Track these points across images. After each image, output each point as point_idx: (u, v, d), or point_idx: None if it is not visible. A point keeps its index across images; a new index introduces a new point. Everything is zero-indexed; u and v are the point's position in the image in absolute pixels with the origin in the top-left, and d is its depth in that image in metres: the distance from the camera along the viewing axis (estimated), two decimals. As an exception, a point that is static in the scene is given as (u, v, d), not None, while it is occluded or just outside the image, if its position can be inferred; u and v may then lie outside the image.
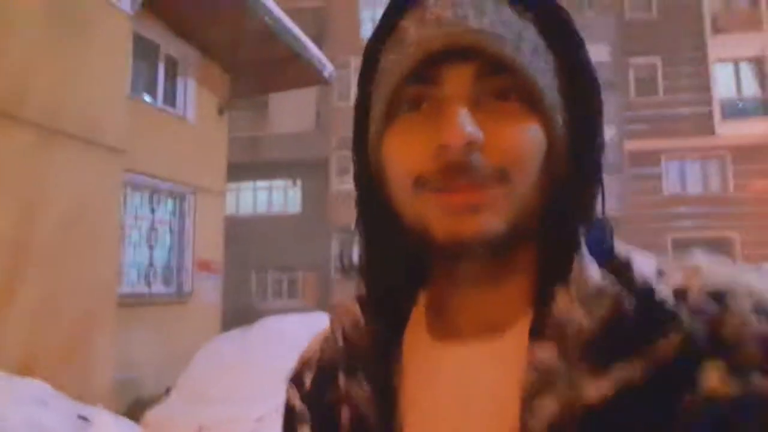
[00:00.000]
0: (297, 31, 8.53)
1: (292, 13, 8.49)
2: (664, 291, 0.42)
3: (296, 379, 0.57)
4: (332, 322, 0.53)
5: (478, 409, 0.44)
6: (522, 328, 0.44)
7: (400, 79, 0.44)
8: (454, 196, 0.42)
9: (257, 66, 8.96)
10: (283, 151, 17.54)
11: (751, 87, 18.20)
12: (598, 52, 18.22)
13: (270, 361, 5.74)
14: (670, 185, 18.37)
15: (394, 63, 0.45)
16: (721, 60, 18.17)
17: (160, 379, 6.54)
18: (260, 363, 5.73)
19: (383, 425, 0.46)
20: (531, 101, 0.44)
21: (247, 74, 9.16)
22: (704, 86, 18.15)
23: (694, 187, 18.42)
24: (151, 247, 7.92)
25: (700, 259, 0.45)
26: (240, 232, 9.97)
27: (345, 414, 0.48)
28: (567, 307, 0.42)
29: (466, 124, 0.41)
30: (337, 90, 15.35)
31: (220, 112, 9.21)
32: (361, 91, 0.51)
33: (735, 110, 17.86)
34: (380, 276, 0.51)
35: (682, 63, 18.38)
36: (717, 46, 18.15)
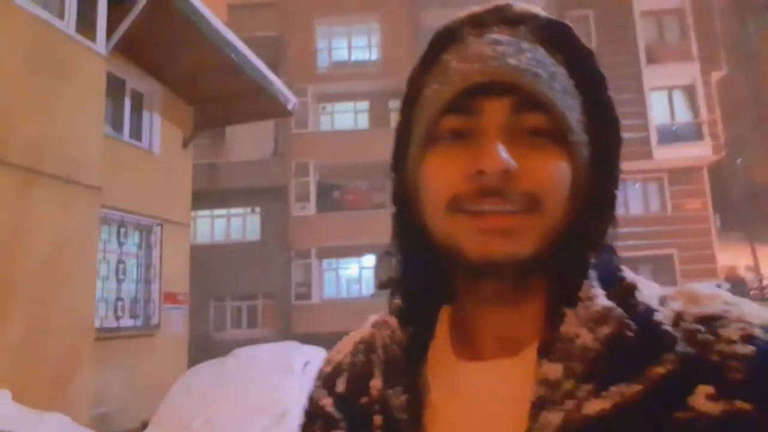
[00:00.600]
0: (260, 64, 8.76)
1: (248, 42, 8.65)
2: (663, 316, 0.45)
3: (327, 383, 0.58)
4: (373, 335, 0.55)
5: (494, 422, 0.47)
6: (535, 346, 0.47)
7: (441, 107, 0.47)
8: (487, 218, 0.45)
9: (221, 99, 9.13)
10: (242, 178, 17.55)
11: (683, 113, 19.55)
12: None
13: (246, 390, 5.88)
14: (614, 206, 19.31)
15: (437, 92, 0.49)
16: (656, 88, 19.49)
17: (133, 412, 6.55)
18: (237, 393, 5.86)
19: (415, 429, 0.48)
20: (560, 137, 0.47)
21: (211, 107, 9.31)
22: (641, 113, 19.38)
23: (635, 208, 19.50)
24: (119, 281, 7.91)
25: (701, 287, 0.48)
26: (197, 262, 9.96)
27: (378, 420, 0.50)
28: (573, 328, 0.45)
29: (503, 152, 0.45)
30: (294, 118, 15.58)
31: (185, 144, 9.32)
32: (403, 115, 0.54)
33: (670, 135, 19.13)
34: (413, 291, 0.54)
35: (620, 91, 19.57)
36: (652, 76, 19.48)
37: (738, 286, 12.66)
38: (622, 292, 0.47)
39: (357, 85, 19.13)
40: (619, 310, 0.44)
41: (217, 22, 7.80)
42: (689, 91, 19.44)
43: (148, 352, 7.98)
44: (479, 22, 0.51)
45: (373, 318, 0.58)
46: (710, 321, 0.44)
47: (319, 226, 17.72)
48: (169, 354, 8.32)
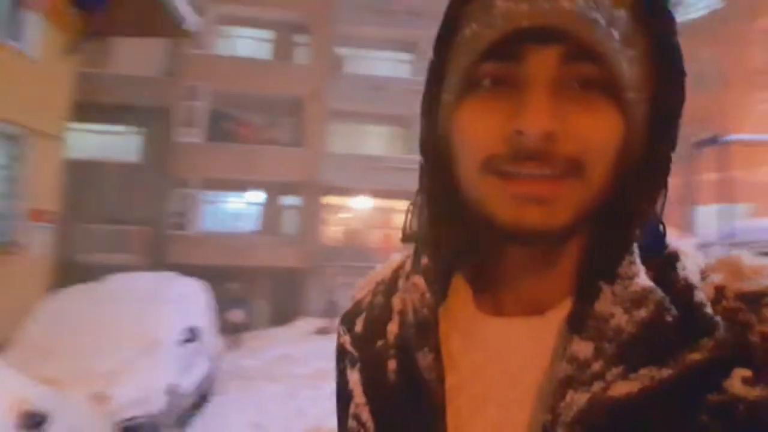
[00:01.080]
0: (159, -25, 8.10)
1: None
2: (703, 294, 0.41)
3: (348, 322, 0.58)
4: (393, 300, 0.53)
5: (512, 376, 0.45)
6: (561, 312, 0.45)
7: (481, 52, 0.42)
8: (522, 184, 0.41)
9: (111, 5, 8.35)
10: (126, 93, 16.22)
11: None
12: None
13: (120, 317, 5.76)
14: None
15: (477, 34, 0.43)
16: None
17: (-11, 333, 6.15)
18: (107, 320, 5.73)
19: (441, 385, 0.47)
20: (613, 92, 0.41)
21: (99, 13, 8.49)
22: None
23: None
24: (-20, 193, 7.20)
25: (746, 257, 0.44)
26: (69, 179, 9.23)
27: (391, 365, 0.50)
28: (609, 306, 0.42)
29: (546, 112, 0.40)
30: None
31: (68, 51, 8.46)
32: (437, 55, 0.49)
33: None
34: (445, 249, 0.50)
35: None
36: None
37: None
38: (663, 265, 0.44)
39: (262, 12, 18.19)
40: (660, 293, 0.41)
41: None
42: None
43: (8, 271, 7.42)
44: None
45: (395, 258, 0.57)
46: (753, 298, 0.41)
47: (206, 155, 16.99)
48: (31, 274, 7.81)
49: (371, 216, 20.06)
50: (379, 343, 0.52)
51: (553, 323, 0.45)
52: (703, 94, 20.21)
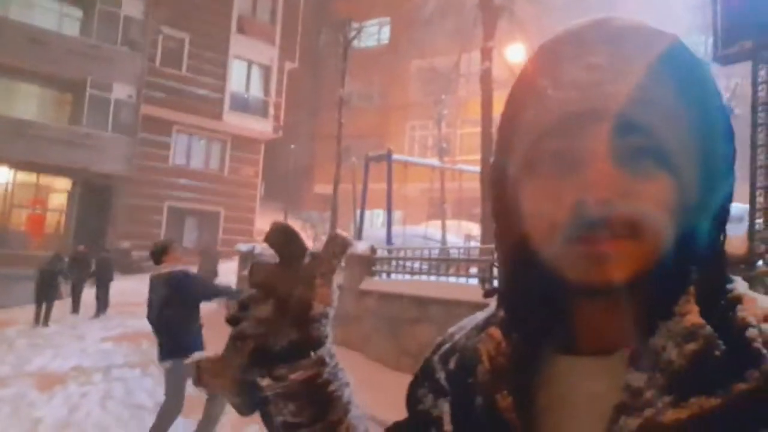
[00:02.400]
0: None
1: None
2: (758, 332, 0.44)
3: (443, 359, 0.62)
4: (479, 347, 0.57)
5: (577, 414, 0.50)
6: (626, 352, 0.49)
7: (540, 132, 0.49)
8: (587, 246, 0.46)
9: None
10: None
11: (257, 89, 21.30)
12: (131, 8, 17.70)
13: None
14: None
15: (534, 118, 0.49)
16: (239, 58, 20.57)
17: None
18: None
19: (521, 422, 0.51)
20: (664, 159, 0.46)
21: None
22: (222, 76, 20.12)
23: (196, 163, 20.12)
24: None
25: None
26: None
27: (479, 401, 0.54)
28: (662, 341, 0.46)
29: (603, 182, 0.45)
30: None
31: None
32: (503, 133, 0.55)
33: (242, 104, 20.53)
34: (520, 304, 0.56)
35: (206, 49, 19.81)
36: (238, 45, 20.46)
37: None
38: (724, 307, 0.47)
39: None
40: (709, 329, 0.45)
41: None
42: (266, 71, 21.34)
43: None
44: (577, 41, 0.49)
45: (492, 307, 0.61)
46: None
47: None
48: None
49: (14, 192, 16.62)
50: (470, 381, 0.56)
51: (618, 362, 0.49)
52: (373, 115, 23.19)
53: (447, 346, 0.64)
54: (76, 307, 12.16)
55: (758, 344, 0.44)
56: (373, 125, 22.37)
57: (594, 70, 0.47)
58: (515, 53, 12.82)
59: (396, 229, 10.93)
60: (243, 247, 13.11)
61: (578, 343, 0.53)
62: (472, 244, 10.62)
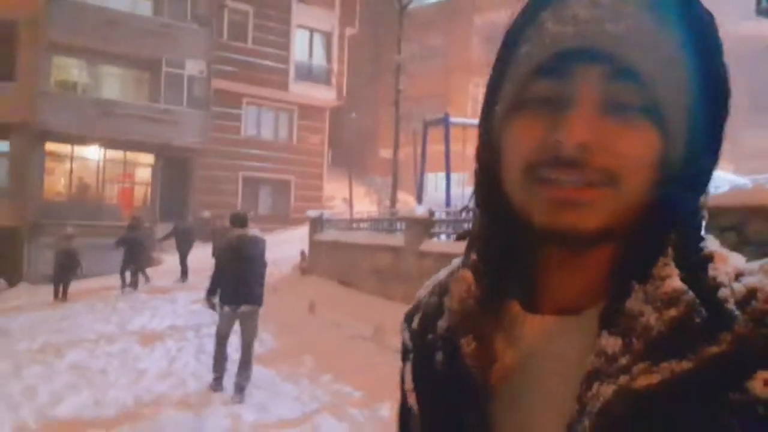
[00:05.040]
0: None
1: None
2: (730, 292, 0.42)
3: (408, 319, 0.63)
4: (450, 286, 0.56)
5: (548, 375, 0.49)
6: (596, 312, 0.47)
7: (532, 69, 0.47)
8: (559, 189, 0.44)
9: None
10: None
11: (320, 57, 21.58)
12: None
13: None
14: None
15: (528, 53, 0.48)
16: (301, 27, 20.89)
17: None
18: None
19: (485, 375, 0.51)
20: (654, 110, 0.44)
21: None
22: (285, 45, 20.54)
23: (267, 134, 20.85)
24: None
25: None
26: None
27: (439, 356, 0.54)
28: (639, 305, 0.44)
29: (583, 125, 0.43)
30: None
31: None
32: (495, 70, 0.53)
33: (306, 73, 20.89)
34: (491, 247, 0.54)
35: (268, 20, 20.24)
36: (300, 14, 20.73)
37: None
38: (695, 266, 0.45)
39: None
40: (691, 294, 0.43)
41: None
42: (327, 38, 21.56)
43: None
44: None
45: (456, 262, 0.60)
46: None
47: None
48: None
49: (105, 168, 17.97)
50: (430, 336, 0.56)
51: (587, 322, 0.47)
52: (435, 76, 22.95)
53: (411, 307, 0.64)
54: (184, 274, 13.11)
55: (731, 305, 0.42)
56: (434, 86, 22.19)
57: (597, 7, 0.45)
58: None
59: (457, 191, 11.08)
60: (312, 213, 13.80)
61: (543, 299, 0.52)
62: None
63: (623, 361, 0.43)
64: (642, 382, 0.42)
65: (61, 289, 11.75)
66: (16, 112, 14.87)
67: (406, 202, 16.15)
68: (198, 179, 18.93)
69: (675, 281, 0.44)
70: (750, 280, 0.43)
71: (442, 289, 0.59)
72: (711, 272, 0.44)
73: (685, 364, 0.41)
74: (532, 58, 0.47)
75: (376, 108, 23.31)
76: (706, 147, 0.47)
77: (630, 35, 0.44)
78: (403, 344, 0.62)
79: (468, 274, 0.54)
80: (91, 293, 11.96)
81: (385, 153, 22.22)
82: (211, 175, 19.10)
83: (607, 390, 0.43)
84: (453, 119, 11.90)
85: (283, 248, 13.99)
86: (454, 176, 11.77)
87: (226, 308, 5.52)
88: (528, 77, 0.47)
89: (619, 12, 0.45)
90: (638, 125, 0.45)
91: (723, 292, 0.43)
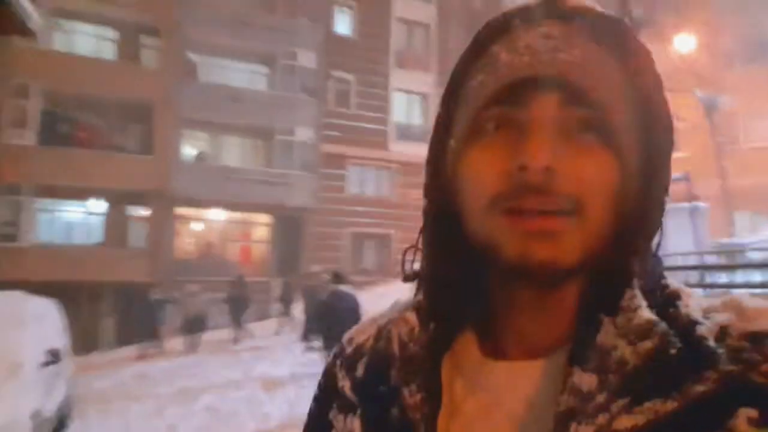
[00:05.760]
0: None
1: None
2: (707, 330, 0.42)
3: (348, 364, 0.56)
4: (391, 328, 0.53)
5: (516, 422, 0.45)
6: (565, 354, 0.45)
7: (487, 99, 0.46)
8: (529, 220, 0.43)
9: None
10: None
11: (417, 116, 22.58)
12: (306, 60, 19.91)
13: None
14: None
15: (482, 84, 0.47)
16: (399, 90, 22.06)
17: None
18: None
19: (429, 429, 0.47)
20: (608, 137, 0.44)
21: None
22: (384, 108, 21.73)
23: (369, 191, 21.78)
24: None
25: (749, 299, 0.44)
26: None
27: (395, 412, 0.49)
28: (611, 338, 0.42)
29: (546, 149, 0.42)
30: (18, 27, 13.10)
31: None
32: (444, 108, 0.52)
33: (405, 133, 21.86)
34: (441, 288, 0.51)
35: (370, 86, 21.58)
36: (397, 78, 21.93)
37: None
38: (664, 302, 0.45)
39: (104, 8, 16.94)
40: (664, 325, 0.42)
41: None
42: (425, 98, 22.50)
43: None
44: (530, 16, 0.48)
45: (400, 302, 0.57)
46: (757, 338, 0.41)
47: (39, 159, 15.40)
48: None
49: (227, 228, 19.60)
50: (382, 388, 0.51)
51: (556, 365, 0.45)
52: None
53: (350, 351, 0.57)
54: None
55: (711, 342, 0.41)
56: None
57: (549, 38, 0.46)
58: (683, 43, 13.22)
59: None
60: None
61: (508, 343, 0.49)
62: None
63: (600, 398, 0.41)
64: (626, 423, 0.40)
65: (190, 339, 12.93)
66: (152, 181, 16.78)
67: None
68: (308, 236, 20.05)
69: (646, 312, 0.43)
70: (719, 318, 0.43)
71: (390, 333, 0.55)
72: (683, 309, 0.44)
73: (670, 405, 0.40)
74: (487, 87, 0.47)
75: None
76: (657, 179, 0.48)
77: (583, 63, 0.45)
78: (340, 395, 0.56)
79: (411, 317, 0.52)
80: (220, 343, 13.07)
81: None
82: (320, 231, 20.12)
83: (585, 431, 0.41)
84: None
85: (382, 301, 14.28)
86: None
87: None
88: (483, 107, 0.47)
89: (571, 42, 0.46)
90: (596, 150, 0.45)
91: (701, 330, 0.42)
